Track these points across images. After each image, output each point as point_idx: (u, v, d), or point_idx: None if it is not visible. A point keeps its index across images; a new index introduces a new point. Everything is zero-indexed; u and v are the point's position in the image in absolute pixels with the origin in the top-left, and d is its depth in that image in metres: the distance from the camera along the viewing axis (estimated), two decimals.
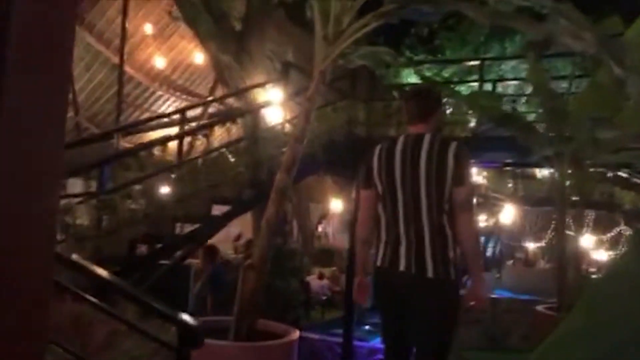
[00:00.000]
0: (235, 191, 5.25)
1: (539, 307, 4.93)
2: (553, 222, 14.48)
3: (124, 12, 9.57)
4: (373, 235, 2.91)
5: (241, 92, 7.16)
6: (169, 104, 12.88)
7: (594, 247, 14.50)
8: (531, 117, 7.31)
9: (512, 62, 12.79)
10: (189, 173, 4.93)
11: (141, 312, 2.67)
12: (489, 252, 16.64)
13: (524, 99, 10.74)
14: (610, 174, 6.81)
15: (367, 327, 10.73)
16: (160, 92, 12.60)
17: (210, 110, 11.59)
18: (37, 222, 1.00)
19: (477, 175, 11.68)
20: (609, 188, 9.53)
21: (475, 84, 8.32)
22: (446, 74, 13.40)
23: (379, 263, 2.79)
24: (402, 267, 2.67)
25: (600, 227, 14.37)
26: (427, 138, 2.72)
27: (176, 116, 6.61)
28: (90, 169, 4.16)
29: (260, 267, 3.60)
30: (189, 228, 5.09)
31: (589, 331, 1.04)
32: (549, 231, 15.86)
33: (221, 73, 7.78)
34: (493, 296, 9.25)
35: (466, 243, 2.65)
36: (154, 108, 12.71)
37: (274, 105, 6.60)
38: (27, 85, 0.97)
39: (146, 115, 12.02)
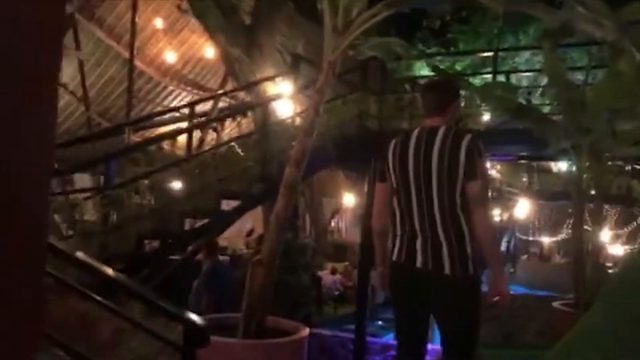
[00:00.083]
0: (245, 185, 5.18)
1: (556, 304, 4.81)
2: (569, 216, 14.30)
3: (134, 7, 9.54)
4: (388, 227, 2.88)
5: (251, 86, 7.08)
6: (180, 99, 12.85)
7: (611, 242, 14.29)
8: (546, 109, 7.17)
9: (526, 55, 12.59)
10: (198, 167, 4.86)
11: (147, 310, 2.62)
12: (503, 247, 16.49)
13: (538, 92, 10.55)
14: (628, 167, 6.66)
15: (379, 322, 10.68)
16: (171, 87, 12.57)
17: (221, 105, 11.54)
18: (27, 214, 0.99)
19: (491, 169, 11.52)
20: (627, 181, 9.34)
21: (489, 76, 8.18)
22: (459, 67, 13.22)
23: (394, 258, 2.76)
24: (418, 264, 2.63)
25: (616, 221, 14.16)
26: (441, 131, 2.67)
27: (185, 110, 6.55)
28: (96, 163, 4.11)
29: (269, 262, 3.53)
30: (199, 223, 5.05)
31: (611, 329, 1.01)
32: (565, 226, 15.67)
33: (231, 67, 7.72)
34: None
35: (482, 238, 2.59)
36: (165, 103, 12.68)
37: (284, 98, 6.52)
38: (11, 78, 0.95)
39: (157, 110, 12.00)
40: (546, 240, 18.20)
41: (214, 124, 5.54)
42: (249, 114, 6.45)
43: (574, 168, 4.91)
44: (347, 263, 13.62)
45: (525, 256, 19.06)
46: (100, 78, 11.61)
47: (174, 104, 12.58)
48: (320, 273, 11.97)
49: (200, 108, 10.70)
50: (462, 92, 7.39)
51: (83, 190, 4.27)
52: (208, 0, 7.40)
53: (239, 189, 5.14)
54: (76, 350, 2.42)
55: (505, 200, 13.83)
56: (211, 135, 9.16)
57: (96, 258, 3.61)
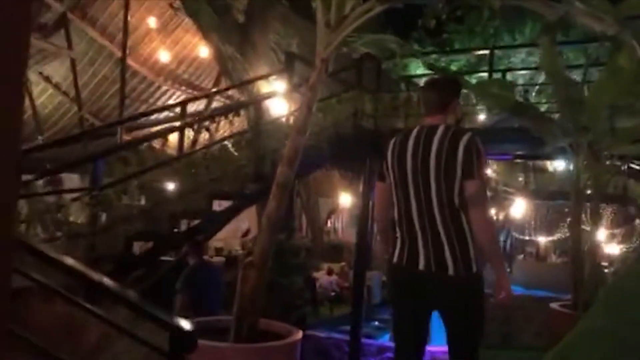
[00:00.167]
0: (238, 185, 5.10)
1: (554, 305, 4.74)
2: (566, 216, 14.27)
3: (126, 6, 9.43)
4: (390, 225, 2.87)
5: (244, 84, 7.00)
6: (174, 99, 12.74)
7: (606, 241, 14.26)
8: (544, 108, 7.10)
9: (522, 55, 12.55)
10: (189, 167, 4.76)
11: (134, 314, 2.53)
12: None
13: (535, 90, 10.50)
14: (624, 167, 6.60)
15: (376, 323, 10.62)
16: (165, 87, 12.47)
17: (215, 104, 11.45)
18: None
19: (487, 168, 11.46)
20: (624, 181, 9.30)
21: (485, 75, 8.12)
22: (454, 67, 13.16)
23: (395, 260, 2.73)
24: (421, 266, 2.61)
25: (612, 220, 14.12)
26: (440, 130, 2.64)
27: (178, 109, 6.45)
28: (83, 163, 4.01)
29: (261, 264, 3.44)
30: (190, 224, 4.95)
31: (610, 332, 0.99)
32: (561, 225, 15.64)
33: (224, 65, 7.64)
34: None
35: (481, 238, 2.57)
36: (159, 103, 12.57)
37: (279, 97, 6.44)
38: None
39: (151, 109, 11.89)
40: (542, 239, 18.18)
41: (206, 123, 5.43)
42: (242, 113, 6.36)
43: (571, 167, 4.84)
44: (343, 263, 13.57)
45: (522, 256, 19.05)
46: (94, 77, 11.50)
47: (168, 103, 12.48)
48: (316, 274, 11.90)
49: (194, 108, 10.67)
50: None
51: (71, 191, 4.17)
52: None
53: (232, 189, 5.06)
54: (59, 357, 2.33)
55: (502, 199, 13.79)
56: (204, 135, 9.07)
57: (83, 260, 3.53)
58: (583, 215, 5.14)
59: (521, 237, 18.04)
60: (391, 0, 3.48)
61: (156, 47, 11.63)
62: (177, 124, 5.70)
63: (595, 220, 4.77)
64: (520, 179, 13.65)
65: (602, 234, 13.19)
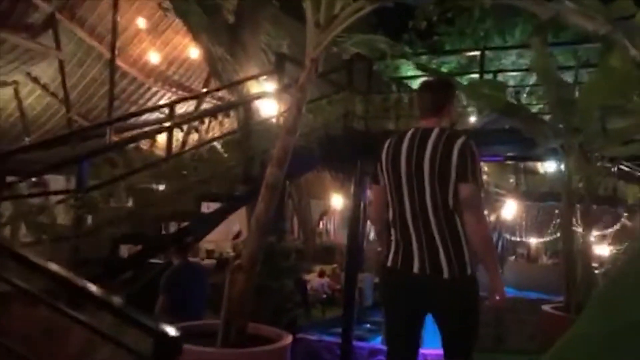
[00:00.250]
0: (227, 187, 5.03)
1: (546, 307, 4.72)
2: (556, 217, 14.30)
3: (115, 6, 9.33)
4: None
5: (234, 85, 6.94)
6: (164, 100, 12.63)
7: (596, 242, 14.30)
8: (535, 109, 7.10)
9: (512, 58, 12.60)
10: (178, 168, 4.70)
11: (118, 319, 2.47)
12: None
13: (526, 92, 10.52)
14: (614, 168, 6.60)
15: (368, 325, 10.59)
16: (155, 88, 12.36)
17: (205, 106, 11.38)
18: None
19: (482, 172, 11.46)
20: (614, 182, 9.33)
21: (476, 76, 8.11)
22: (445, 69, 13.18)
23: (389, 263, 2.71)
24: (415, 269, 2.60)
25: (602, 221, 14.15)
26: (435, 132, 2.63)
27: (166, 110, 6.37)
28: (67, 164, 3.93)
29: (250, 267, 3.39)
30: (179, 226, 4.88)
31: (605, 335, 0.96)
32: (551, 226, 15.68)
33: (214, 66, 7.57)
34: None
35: (475, 241, 2.56)
36: (149, 104, 12.46)
37: (269, 98, 6.38)
38: None
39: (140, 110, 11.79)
40: (533, 241, 18.21)
41: (195, 124, 5.36)
42: (232, 114, 6.30)
43: (562, 168, 4.82)
44: (335, 265, 13.55)
45: (513, 257, 19.08)
46: (82, 79, 11.37)
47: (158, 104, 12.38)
48: (308, 276, 11.85)
49: (184, 109, 10.59)
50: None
51: (55, 193, 4.09)
52: None
53: (221, 190, 5.00)
54: None
55: (493, 201, 13.82)
56: (193, 136, 9.00)
57: (68, 263, 3.46)
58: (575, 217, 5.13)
59: (512, 238, 18.07)
60: None
61: (146, 48, 11.53)
62: (167, 124, 5.62)
63: (587, 222, 4.74)
64: (511, 180, 13.68)
65: (592, 235, 13.22)
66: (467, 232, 2.55)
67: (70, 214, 3.82)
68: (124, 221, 4.05)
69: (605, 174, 6.18)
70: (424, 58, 12.43)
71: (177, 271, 4.94)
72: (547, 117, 5.39)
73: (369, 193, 6.41)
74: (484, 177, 12.39)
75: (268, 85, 6.79)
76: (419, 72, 9.81)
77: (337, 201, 14.89)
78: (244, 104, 6.07)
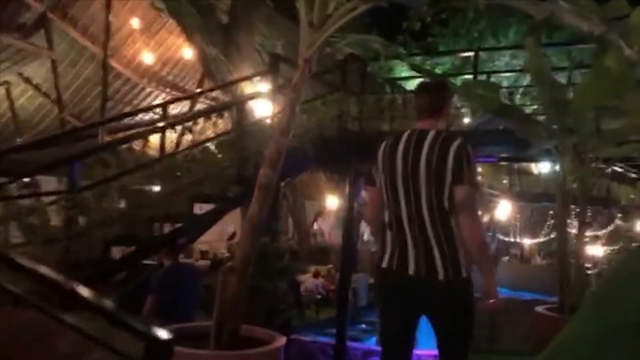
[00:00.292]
0: (221, 188, 5.01)
1: (539, 308, 4.71)
2: (550, 218, 14.34)
3: (108, 6, 9.28)
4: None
5: (228, 85, 6.91)
6: (158, 101, 12.58)
7: (589, 243, 14.34)
8: (529, 110, 7.10)
9: (506, 58, 12.61)
10: (171, 169, 4.66)
11: (108, 322, 2.44)
12: None
13: (520, 93, 10.54)
14: (608, 169, 6.62)
15: (362, 325, 10.59)
16: (149, 89, 12.30)
17: (199, 106, 11.33)
18: None
19: (477, 174, 11.47)
20: (607, 183, 9.37)
21: (470, 77, 8.11)
22: (439, 70, 13.19)
23: (384, 265, 2.71)
24: (411, 271, 2.60)
25: (595, 222, 14.19)
26: (431, 134, 2.63)
27: (159, 110, 6.33)
28: (58, 165, 3.89)
29: (243, 268, 3.36)
30: (172, 228, 4.83)
31: (599, 336, 0.97)
32: (545, 227, 15.72)
33: (208, 67, 7.53)
34: None
35: (470, 243, 2.56)
36: (143, 105, 12.40)
37: (263, 98, 6.36)
38: None
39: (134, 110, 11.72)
40: (527, 241, 18.26)
41: (189, 124, 5.33)
42: (226, 114, 6.27)
43: (556, 169, 4.82)
44: (330, 266, 13.55)
45: (507, 257, 19.14)
46: (75, 79, 11.30)
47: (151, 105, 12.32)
48: (302, 277, 11.84)
49: (177, 111, 10.54)
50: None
51: (46, 194, 4.05)
52: None
53: (214, 191, 4.97)
54: None
55: (486, 202, 13.84)
56: (186, 137, 8.95)
57: (59, 264, 3.42)
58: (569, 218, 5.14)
59: (506, 239, 18.11)
60: None
61: (140, 48, 11.47)
62: (161, 125, 5.58)
63: (581, 223, 4.75)
64: (505, 181, 13.71)
65: (586, 236, 13.26)
66: (462, 233, 2.55)
67: (62, 215, 3.78)
68: (117, 222, 4.02)
69: (599, 175, 6.19)
70: (418, 59, 12.44)
71: (168, 272, 4.89)
72: (541, 118, 5.39)
73: (364, 194, 6.41)
74: (479, 178, 12.43)
75: (262, 85, 6.77)
76: (413, 73, 9.83)
77: (332, 202, 14.87)
78: (238, 105, 6.05)
